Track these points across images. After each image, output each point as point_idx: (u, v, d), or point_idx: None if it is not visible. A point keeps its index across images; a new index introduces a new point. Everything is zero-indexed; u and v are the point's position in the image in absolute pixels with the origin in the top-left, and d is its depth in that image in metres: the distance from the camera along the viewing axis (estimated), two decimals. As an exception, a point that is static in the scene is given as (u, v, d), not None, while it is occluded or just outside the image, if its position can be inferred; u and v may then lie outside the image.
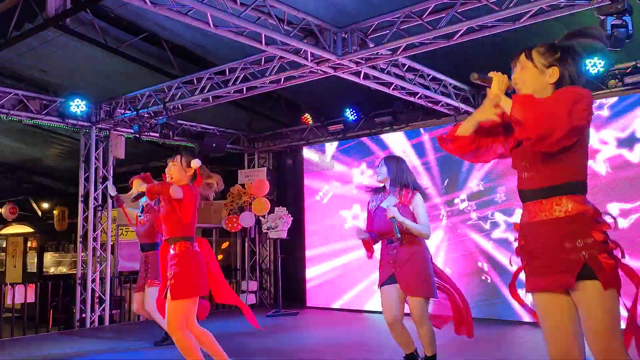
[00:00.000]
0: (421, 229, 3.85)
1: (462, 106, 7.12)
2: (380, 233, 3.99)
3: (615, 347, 1.97)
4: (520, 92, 2.17)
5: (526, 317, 6.61)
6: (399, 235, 3.78)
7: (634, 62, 6.09)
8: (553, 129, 1.94)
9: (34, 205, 15.13)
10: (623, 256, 2.07)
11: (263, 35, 4.98)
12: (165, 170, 3.95)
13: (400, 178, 3.95)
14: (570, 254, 2.03)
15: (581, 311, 2.03)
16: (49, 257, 12.83)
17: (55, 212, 13.88)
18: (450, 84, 6.89)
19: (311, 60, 5.59)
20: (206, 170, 3.95)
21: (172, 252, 3.75)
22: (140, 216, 5.77)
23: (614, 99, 6.32)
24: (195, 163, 3.82)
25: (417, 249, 3.92)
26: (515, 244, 2.28)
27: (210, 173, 3.98)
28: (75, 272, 8.17)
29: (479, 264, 7.17)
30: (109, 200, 7.98)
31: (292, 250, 9.17)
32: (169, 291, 3.65)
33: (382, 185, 4.08)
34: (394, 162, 4.00)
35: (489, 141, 2.34)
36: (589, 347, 2.04)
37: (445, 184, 7.60)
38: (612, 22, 4.02)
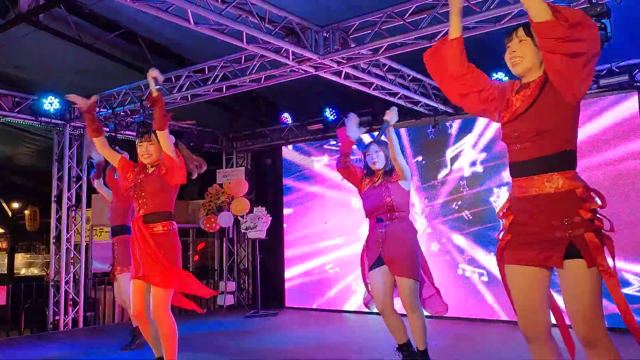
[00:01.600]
0: (399, 154, 3.83)
1: (441, 107, 7.16)
2: (371, 211, 3.94)
3: (597, 324, 2.03)
4: (519, 64, 2.20)
5: (503, 316, 6.70)
6: (384, 135, 3.82)
7: (609, 65, 6.20)
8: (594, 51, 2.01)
9: (4, 205, 14.75)
10: (612, 230, 2.12)
11: (244, 33, 4.92)
12: (140, 153, 3.72)
13: (390, 165, 3.97)
14: (557, 231, 2.07)
15: (566, 289, 2.08)
16: (19, 258, 12.53)
17: (26, 212, 13.56)
18: (430, 85, 6.92)
19: (292, 59, 5.55)
20: (186, 150, 3.85)
21: (157, 230, 3.58)
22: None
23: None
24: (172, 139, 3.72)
25: (406, 226, 3.88)
26: (503, 220, 2.30)
27: (192, 154, 3.86)
28: (47, 273, 7.99)
29: (459, 268, 7.23)
30: (84, 200, 7.82)
31: (271, 250, 9.12)
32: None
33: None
34: (387, 149, 3.97)
35: (482, 83, 2.30)
36: (572, 324, 2.08)
37: (425, 185, 7.64)
38: (592, 25, 4.07)
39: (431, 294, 3.90)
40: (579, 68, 2.04)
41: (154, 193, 3.62)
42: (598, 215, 2.09)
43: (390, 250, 3.76)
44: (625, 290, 5.95)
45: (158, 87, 3.58)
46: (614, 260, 2.08)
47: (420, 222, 7.59)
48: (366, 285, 3.96)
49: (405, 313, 3.77)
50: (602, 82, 6.26)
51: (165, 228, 3.61)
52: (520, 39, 2.20)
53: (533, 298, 2.16)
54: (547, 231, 2.09)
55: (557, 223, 2.07)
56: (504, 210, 2.27)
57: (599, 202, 2.11)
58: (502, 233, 2.27)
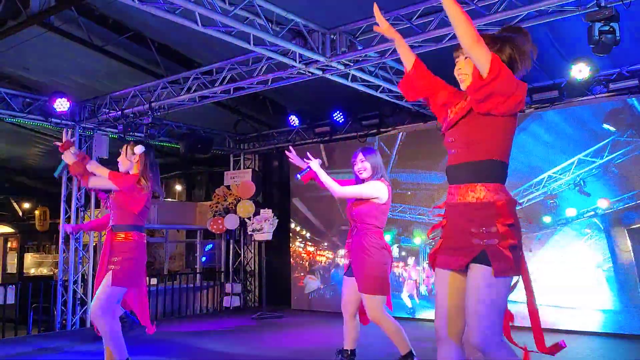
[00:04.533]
0: (331, 183, 3.80)
1: (449, 110, 7.13)
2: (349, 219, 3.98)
3: (491, 329, 2.09)
4: (464, 81, 2.32)
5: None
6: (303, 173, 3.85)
7: (619, 69, 6.15)
8: (513, 92, 2.13)
9: (15, 205, 14.88)
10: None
11: (251, 35, 4.94)
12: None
13: (379, 173, 3.91)
14: (473, 238, 2.17)
15: (467, 290, 2.16)
16: (29, 258, 12.62)
17: (36, 212, 13.66)
18: (438, 88, 6.90)
19: (299, 62, 5.56)
20: (147, 157, 3.92)
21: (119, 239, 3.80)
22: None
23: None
24: (139, 149, 3.88)
25: (370, 240, 3.76)
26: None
27: (151, 164, 3.94)
28: (56, 273, 8.04)
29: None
30: (92, 200, 7.87)
31: (278, 252, 9.13)
32: (110, 277, 3.68)
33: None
34: (374, 157, 3.95)
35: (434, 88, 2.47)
36: (467, 325, 2.15)
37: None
38: (600, 28, 4.05)
39: None
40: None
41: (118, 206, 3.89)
42: (513, 231, 2.15)
43: (354, 264, 3.88)
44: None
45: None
46: (527, 277, 2.20)
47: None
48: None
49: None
50: (612, 86, 6.21)
51: (123, 237, 3.82)
52: (466, 56, 2.31)
53: (452, 301, 2.25)
54: (465, 236, 2.19)
55: (475, 230, 2.16)
56: (441, 216, 2.40)
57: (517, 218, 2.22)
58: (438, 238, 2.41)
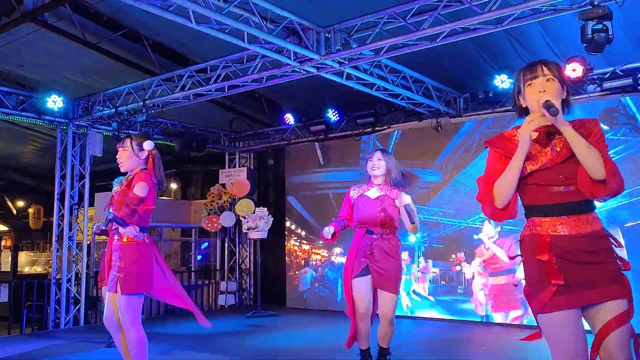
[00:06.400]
0: (417, 224, 4.00)
1: (443, 108, 7.15)
2: (361, 222, 4.10)
3: None
4: (542, 98, 2.08)
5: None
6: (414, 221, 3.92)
7: (613, 68, 6.17)
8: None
9: (9, 203, 14.82)
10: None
11: (245, 33, 4.93)
12: (117, 157, 3.68)
13: (394, 173, 4.13)
14: (611, 264, 2.12)
15: (612, 319, 2.03)
16: (23, 256, 12.58)
17: (30, 210, 13.61)
18: (432, 86, 6.91)
19: (294, 60, 5.55)
20: (158, 153, 3.73)
21: (121, 242, 3.52)
22: None
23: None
24: (149, 145, 3.61)
25: (396, 244, 4.07)
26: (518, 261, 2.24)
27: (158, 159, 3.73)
28: (50, 271, 8.02)
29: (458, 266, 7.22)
30: (86, 198, 7.85)
31: (273, 250, 9.12)
32: (118, 285, 3.43)
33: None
34: (389, 157, 4.18)
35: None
36: (615, 352, 2.01)
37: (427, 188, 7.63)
38: (593, 27, 4.06)
39: None
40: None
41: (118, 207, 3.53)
42: None
43: (378, 266, 3.99)
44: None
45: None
46: None
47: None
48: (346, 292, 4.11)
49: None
50: (606, 85, 6.23)
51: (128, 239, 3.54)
52: (547, 78, 2.14)
53: (584, 344, 2.08)
54: (605, 265, 2.13)
55: (609, 257, 2.17)
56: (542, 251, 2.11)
57: None
58: (546, 275, 2.08)
